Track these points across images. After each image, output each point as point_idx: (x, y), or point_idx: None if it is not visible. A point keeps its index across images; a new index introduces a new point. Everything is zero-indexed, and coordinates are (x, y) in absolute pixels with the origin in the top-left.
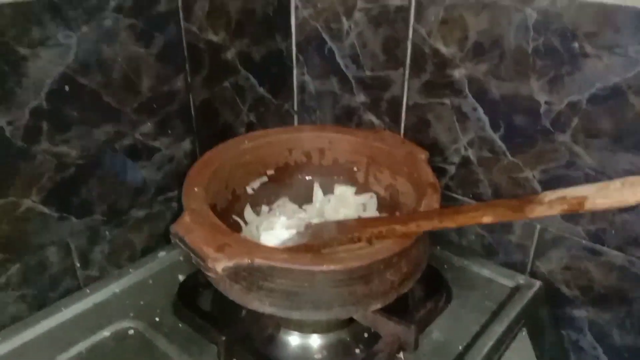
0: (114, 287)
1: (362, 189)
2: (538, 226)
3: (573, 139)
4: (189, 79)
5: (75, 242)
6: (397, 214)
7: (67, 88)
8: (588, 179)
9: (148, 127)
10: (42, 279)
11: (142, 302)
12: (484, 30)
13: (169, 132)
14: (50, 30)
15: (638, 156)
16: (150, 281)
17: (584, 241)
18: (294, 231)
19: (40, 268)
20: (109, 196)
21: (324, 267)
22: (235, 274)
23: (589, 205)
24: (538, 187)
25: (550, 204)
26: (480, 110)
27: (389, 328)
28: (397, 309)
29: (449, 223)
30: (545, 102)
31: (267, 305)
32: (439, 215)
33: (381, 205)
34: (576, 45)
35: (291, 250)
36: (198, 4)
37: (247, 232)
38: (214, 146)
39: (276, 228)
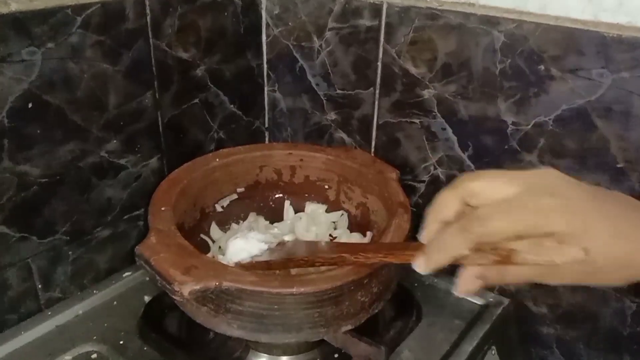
0: (77, 309)
1: (333, 207)
2: None
3: (540, 159)
4: (157, 96)
5: (36, 262)
6: (369, 233)
7: (30, 105)
8: None
9: (114, 144)
10: (2, 301)
11: (106, 325)
12: (452, 52)
13: (136, 149)
14: (14, 47)
15: (602, 176)
16: (115, 303)
17: None
18: (265, 246)
19: (0, 290)
20: (73, 215)
21: (294, 290)
22: (203, 296)
23: (517, 259)
24: None
25: (481, 254)
26: (449, 130)
27: (359, 349)
28: (368, 329)
29: (392, 259)
30: (512, 123)
31: (235, 328)
32: (387, 250)
33: (352, 224)
34: (542, 67)
35: (258, 263)
36: (167, 21)
37: (214, 249)
38: (183, 164)
39: (249, 241)
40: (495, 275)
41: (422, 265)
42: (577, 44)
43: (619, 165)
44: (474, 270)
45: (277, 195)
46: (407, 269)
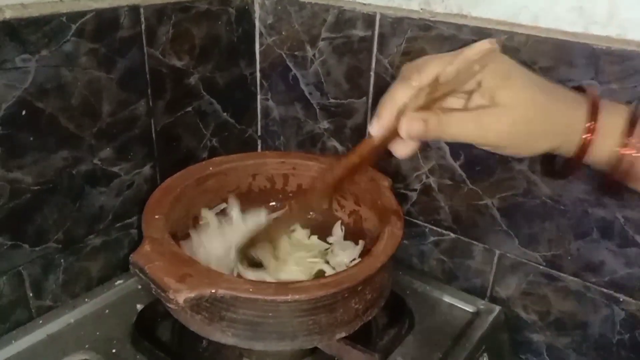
0: (69, 318)
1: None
2: (497, 252)
3: (530, 168)
4: (150, 104)
5: (28, 271)
6: (361, 241)
7: (23, 112)
8: (545, 207)
9: (107, 152)
10: None
11: (98, 333)
12: None
13: (129, 157)
14: (8, 54)
15: (589, 186)
16: (107, 311)
17: (541, 267)
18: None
19: None
20: (65, 223)
21: (289, 297)
22: (197, 304)
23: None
24: (497, 214)
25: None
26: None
27: (353, 356)
28: (361, 337)
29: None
30: None
31: (230, 336)
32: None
33: (345, 232)
34: None
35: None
36: (161, 29)
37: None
38: (176, 172)
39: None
40: (437, 124)
41: (373, 125)
42: (567, 55)
43: None
44: (417, 114)
45: (270, 204)
46: (399, 278)
